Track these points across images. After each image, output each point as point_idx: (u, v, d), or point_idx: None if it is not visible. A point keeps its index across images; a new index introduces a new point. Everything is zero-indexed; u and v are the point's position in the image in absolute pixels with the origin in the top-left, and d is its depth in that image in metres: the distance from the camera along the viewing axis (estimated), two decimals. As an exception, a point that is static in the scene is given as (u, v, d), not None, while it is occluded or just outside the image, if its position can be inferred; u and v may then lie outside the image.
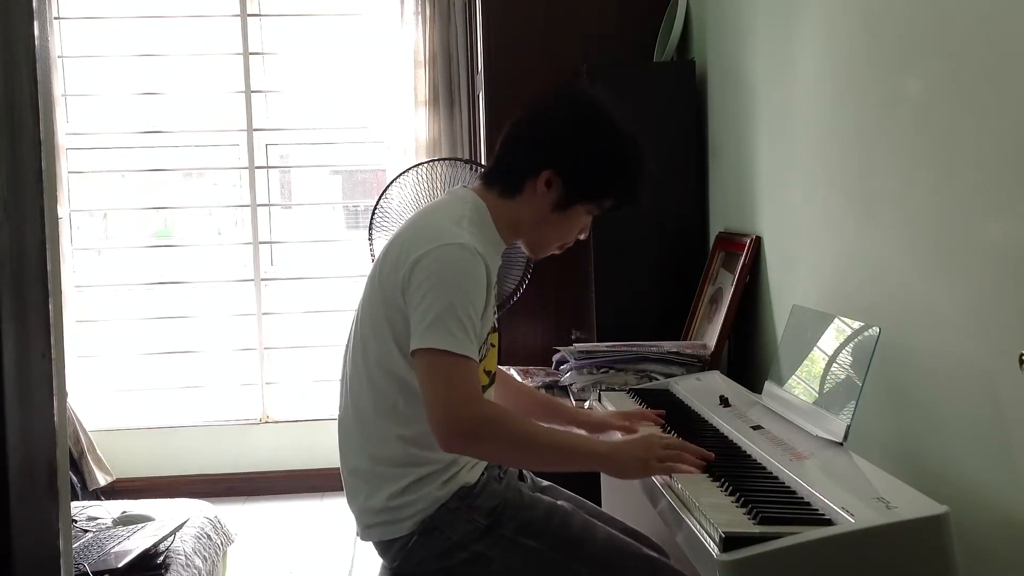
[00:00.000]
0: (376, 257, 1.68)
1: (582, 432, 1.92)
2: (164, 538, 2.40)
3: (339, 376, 1.74)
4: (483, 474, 1.64)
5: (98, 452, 3.92)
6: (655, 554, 1.67)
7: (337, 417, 1.72)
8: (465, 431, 1.48)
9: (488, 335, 1.65)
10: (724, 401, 1.98)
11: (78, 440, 3.85)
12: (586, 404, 2.37)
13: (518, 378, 2.26)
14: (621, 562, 1.61)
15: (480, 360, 1.61)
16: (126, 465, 4.04)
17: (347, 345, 1.71)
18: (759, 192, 2.56)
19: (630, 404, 2.11)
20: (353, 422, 1.66)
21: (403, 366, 1.58)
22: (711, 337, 2.63)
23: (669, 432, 1.82)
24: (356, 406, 1.65)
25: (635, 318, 2.93)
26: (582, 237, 1.77)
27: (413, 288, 1.53)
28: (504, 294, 3.03)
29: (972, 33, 1.54)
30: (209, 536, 2.65)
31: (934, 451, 1.67)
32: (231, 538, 2.86)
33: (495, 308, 1.68)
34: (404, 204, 3.10)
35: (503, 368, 1.99)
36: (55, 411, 0.80)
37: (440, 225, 1.59)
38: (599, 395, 2.28)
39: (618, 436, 1.87)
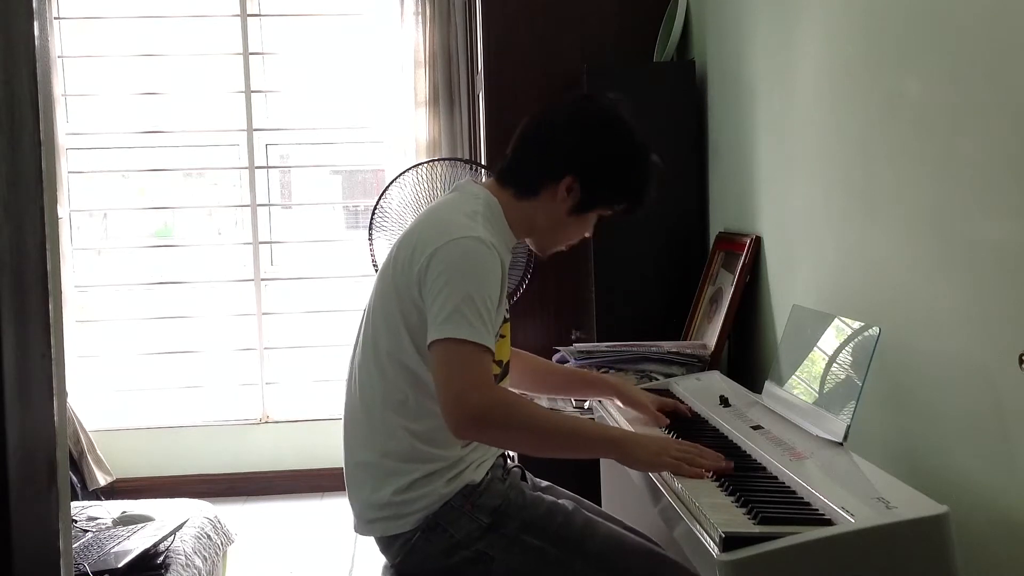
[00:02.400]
0: (388, 253, 1.70)
1: (618, 403, 1.98)
2: (164, 538, 2.40)
3: (345, 373, 1.75)
4: (487, 473, 1.65)
5: (98, 452, 3.92)
6: (656, 548, 1.67)
7: (343, 411, 1.73)
8: (477, 416, 1.48)
9: (499, 326, 1.65)
10: (724, 401, 1.98)
11: (78, 440, 3.85)
12: (586, 404, 2.37)
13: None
14: (623, 558, 1.61)
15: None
16: (126, 465, 4.04)
17: (356, 340, 1.72)
18: (759, 192, 2.56)
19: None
20: (361, 415, 1.66)
21: (415, 359, 1.59)
22: (711, 337, 2.63)
23: (670, 433, 1.83)
24: (364, 399, 1.66)
25: (635, 318, 2.93)
26: (588, 235, 1.81)
27: (430, 282, 1.54)
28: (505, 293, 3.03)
29: (972, 33, 1.54)
30: (209, 536, 2.65)
31: (934, 451, 1.68)
32: (231, 538, 2.86)
33: (507, 300, 1.70)
34: (404, 204, 3.10)
35: (528, 354, 2.01)
36: (55, 411, 0.80)
37: (454, 219, 1.61)
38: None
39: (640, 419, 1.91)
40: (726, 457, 1.60)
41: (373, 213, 3.12)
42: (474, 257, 1.54)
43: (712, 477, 1.51)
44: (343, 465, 1.72)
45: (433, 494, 1.59)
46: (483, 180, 1.77)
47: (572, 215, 1.71)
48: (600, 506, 2.07)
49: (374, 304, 1.68)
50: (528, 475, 1.83)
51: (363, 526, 1.67)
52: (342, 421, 1.73)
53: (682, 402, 2.11)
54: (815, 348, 1.85)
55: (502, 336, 1.70)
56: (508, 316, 1.73)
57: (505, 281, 1.62)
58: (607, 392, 2.00)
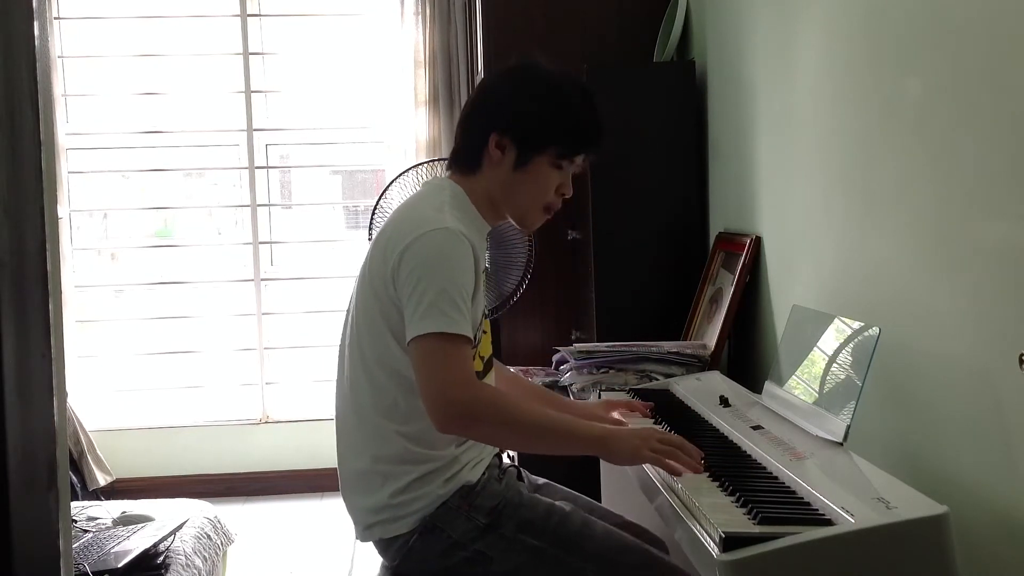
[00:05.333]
0: (364, 255, 1.69)
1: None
2: (164, 538, 2.40)
3: (335, 375, 1.75)
4: (484, 473, 1.65)
5: (98, 452, 3.92)
6: (654, 549, 1.67)
7: (335, 418, 1.72)
8: (460, 412, 1.49)
9: (481, 321, 1.65)
10: (724, 401, 1.98)
11: (78, 440, 3.85)
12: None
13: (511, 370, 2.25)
14: (620, 557, 1.61)
15: (476, 345, 1.62)
16: (126, 465, 4.04)
17: (341, 344, 1.72)
18: (759, 192, 2.56)
19: (630, 404, 2.11)
20: (353, 421, 1.66)
21: (401, 361, 1.58)
22: (711, 337, 2.63)
23: (669, 432, 1.83)
24: (355, 405, 1.65)
25: (635, 318, 2.93)
26: (567, 194, 1.73)
27: (403, 278, 1.54)
28: (504, 294, 3.03)
29: (971, 33, 1.54)
30: (209, 536, 2.65)
31: (934, 451, 1.68)
32: (231, 538, 2.86)
33: (485, 295, 1.69)
34: (404, 204, 3.10)
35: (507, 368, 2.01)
36: (55, 411, 0.80)
37: (422, 214, 1.61)
38: (599, 395, 2.28)
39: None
40: (726, 457, 1.60)
41: (373, 213, 3.12)
42: (445, 249, 1.54)
43: (712, 479, 1.51)
44: (338, 472, 1.72)
45: (430, 495, 1.59)
46: (447, 173, 1.76)
47: (518, 171, 1.66)
48: (600, 501, 2.07)
49: (355, 309, 1.67)
50: (524, 474, 1.83)
51: (363, 532, 1.67)
52: (335, 428, 1.73)
53: (682, 402, 2.11)
54: (815, 348, 1.85)
55: (485, 332, 1.70)
56: (488, 312, 1.73)
57: (480, 268, 1.60)
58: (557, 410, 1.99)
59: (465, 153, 1.70)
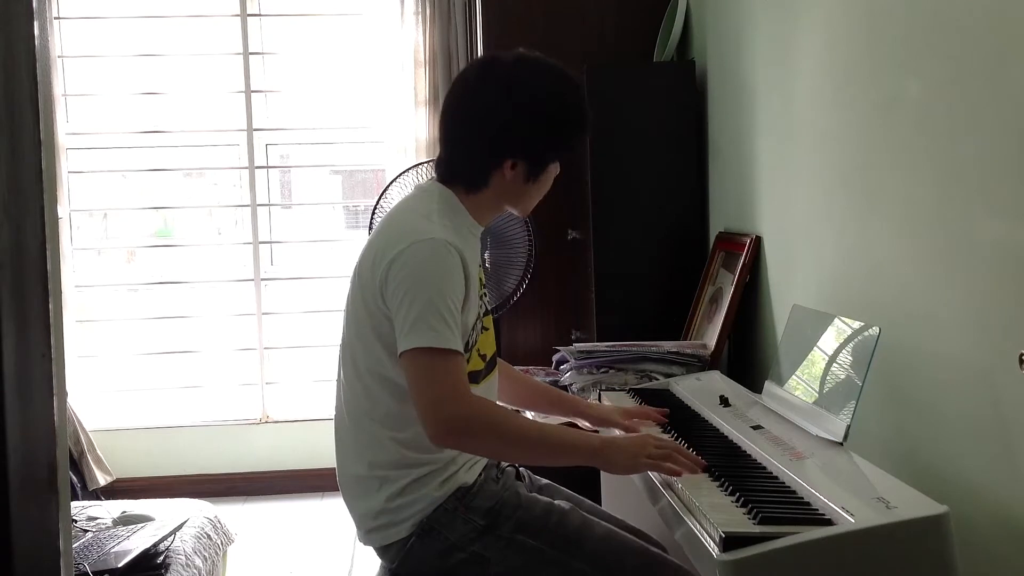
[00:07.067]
0: (356, 262, 1.68)
1: (585, 424, 1.95)
2: (164, 538, 2.40)
3: (335, 377, 1.75)
4: (480, 474, 1.65)
5: (98, 452, 3.92)
6: (654, 548, 1.67)
7: (334, 421, 1.73)
8: (454, 427, 1.49)
9: (479, 319, 1.65)
10: (724, 401, 1.98)
11: (78, 440, 3.85)
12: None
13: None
14: (620, 558, 1.61)
15: (473, 344, 1.62)
16: (126, 465, 4.04)
17: (340, 347, 1.72)
18: (759, 192, 2.56)
19: (630, 404, 2.11)
20: (349, 427, 1.67)
21: (393, 370, 1.58)
22: (711, 337, 2.63)
23: (670, 433, 1.83)
24: (350, 411, 1.66)
25: (635, 318, 2.93)
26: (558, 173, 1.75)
27: (391, 290, 1.54)
28: (504, 294, 3.03)
29: (972, 33, 1.54)
30: (209, 536, 2.65)
31: (934, 451, 1.68)
32: (231, 538, 2.86)
33: (483, 292, 1.69)
34: (404, 204, 3.09)
35: (503, 361, 1.99)
36: (55, 411, 0.80)
37: (410, 223, 1.60)
38: (599, 395, 2.29)
39: (618, 433, 1.88)
40: (726, 457, 1.60)
41: (373, 213, 3.12)
42: (432, 260, 1.53)
43: (712, 479, 1.51)
44: (337, 475, 1.72)
45: (426, 498, 1.59)
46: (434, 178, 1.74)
47: (530, 182, 1.67)
48: (600, 505, 2.06)
49: (348, 317, 1.67)
50: (525, 474, 1.82)
51: (363, 536, 1.67)
52: (333, 431, 1.73)
53: (682, 401, 2.11)
54: (815, 348, 1.85)
55: (485, 328, 1.69)
56: (489, 308, 1.73)
57: (471, 274, 1.59)
58: (571, 413, 1.98)
59: (469, 173, 1.67)
